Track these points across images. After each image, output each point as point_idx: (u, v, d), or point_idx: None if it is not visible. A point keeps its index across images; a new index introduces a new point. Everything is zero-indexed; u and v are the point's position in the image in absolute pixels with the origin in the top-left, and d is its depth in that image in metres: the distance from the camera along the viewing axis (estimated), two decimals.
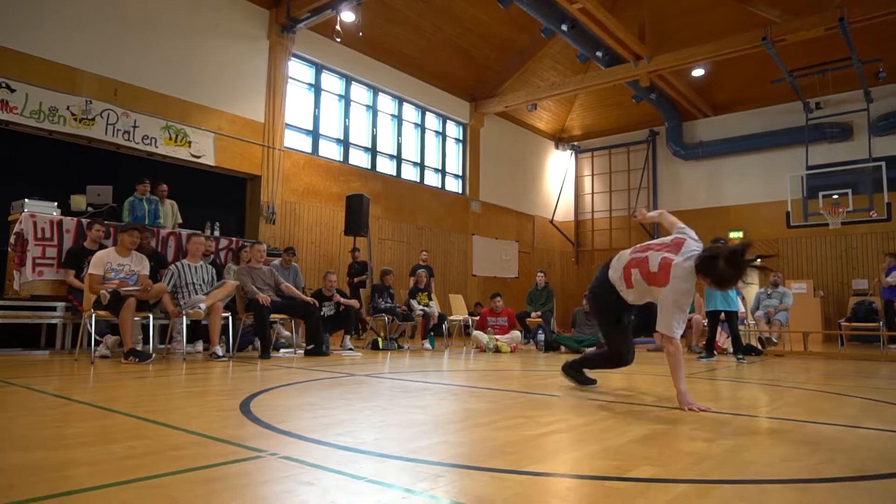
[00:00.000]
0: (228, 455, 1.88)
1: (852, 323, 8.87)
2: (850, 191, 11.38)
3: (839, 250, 12.95)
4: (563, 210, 16.69)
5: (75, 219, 6.46)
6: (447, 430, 2.40)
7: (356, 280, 9.34)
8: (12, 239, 6.08)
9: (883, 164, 11.11)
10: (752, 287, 14.46)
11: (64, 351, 6.11)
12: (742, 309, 8.74)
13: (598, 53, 11.78)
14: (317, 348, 6.37)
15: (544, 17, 10.52)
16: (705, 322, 7.42)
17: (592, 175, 16.89)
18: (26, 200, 6.23)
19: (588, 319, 8.33)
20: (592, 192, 16.83)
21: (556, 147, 17.06)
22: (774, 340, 8.61)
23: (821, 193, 11.65)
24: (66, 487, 1.52)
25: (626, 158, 16.26)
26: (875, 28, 10.42)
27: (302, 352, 6.53)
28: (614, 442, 2.24)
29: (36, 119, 7.52)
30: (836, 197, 11.54)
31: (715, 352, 7.06)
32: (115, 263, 5.35)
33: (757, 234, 13.87)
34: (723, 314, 6.88)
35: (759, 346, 8.05)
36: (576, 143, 17.00)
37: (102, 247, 5.99)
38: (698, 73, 13.41)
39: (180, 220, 8.02)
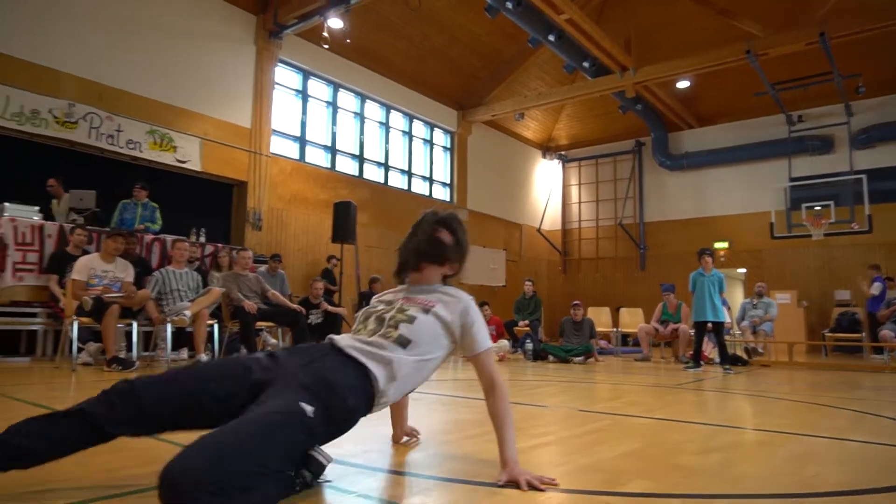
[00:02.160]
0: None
1: (836, 333, 8.95)
2: (832, 203, 11.52)
3: (822, 261, 13.10)
4: (551, 219, 16.74)
5: (57, 224, 6.35)
6: (436, 442, 2.37)
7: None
8: None
9: (864, 176, 11.27)
10: (738, 297, 14.59)
11: (45, 358, 5.98)
12: (728, 319, 8.81)
13: (585, 64, 11.85)
14: None
15: (531, 27, 10.57)
16: (692, 332, 7.45)
17: (580, 184, 16.97)
18: (6, 205, 6.10)
19: (575, 328, 8.34)
20: (580, 202, 16.90)
21: (544, 156, 17.13)
22: (760, 351, 8.68)
23: (803, 205, 11.79)
24: (43, 500, 1.47)
25: (612, 168, 16.36)
26: (855, 44, 10.59)
27: None
28: (604, 455, 2.22)
29: (17, 122, 7.38)
30: (818, 208, 11.69)
31: (702, 362, 7.09)
32: (98, 269, 5.27)
33: (742, 245, 14.01)
34: (710, 324, 6.92)
35: (745, 357, 8.10)
36: (563, 153, 17.08)
37: (85, 252, 5.89)
38: (683, 84, 13.54)
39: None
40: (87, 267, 5.20)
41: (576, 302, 8.63)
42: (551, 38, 10.81)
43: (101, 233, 6.36)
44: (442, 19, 11.77)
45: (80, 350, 5.30)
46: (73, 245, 6.03)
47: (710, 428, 2.90)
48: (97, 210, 6.98)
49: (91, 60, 8.11)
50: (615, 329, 9.73)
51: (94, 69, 8.14)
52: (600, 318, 9.94)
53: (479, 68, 13.52)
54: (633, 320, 10.02)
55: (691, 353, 7.24)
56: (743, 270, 14.24)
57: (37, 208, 6.36)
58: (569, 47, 11.36)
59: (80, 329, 5.22)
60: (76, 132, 7.88)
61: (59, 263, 5.90)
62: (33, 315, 5.98)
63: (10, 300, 5.91)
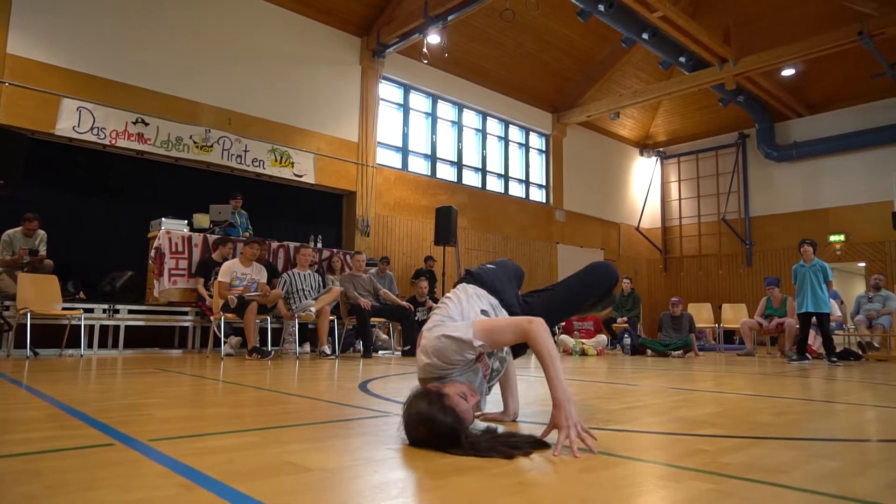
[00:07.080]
0: (364, 414, 2.34)
1: None
2: None
3: None
4: (650, 217, 16.55)
5: (202, 234, 7.33)
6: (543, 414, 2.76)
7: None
8: (152, 253, 7.01)
9: None
10: (854, 289, 13.75)
11: (194, 350, 6.94)
12: (839, 313, 8.50)
13: (681, 59, 11.74)
14: (413, 349, 6.86)
15: (625, 27, 10.66)
16: (797, 325, 7.32)
17: (679, 181, 16.64)
18: (163, 219, 7.14)
19: (674, 323, 8.39)
20: (680, 198, 16.57)
21: (641, 154, 16.96)
22: (876, 345, 8.31)
23: None
24: (240, 427, 2.01)
25: (714, 163, 15.93)
26: None
27: (399, 353, 7.05)
28: (685, 414, 2.53)
29: (165, 148, 8.53)
30: None
31: (808, 355, 6.97)
32: (239, 272, 6.09)
33: (860, 237, 13.23)
34: (814, 317, 6.80)
35: (860, 352, 7.81)
36: (661, 150, 16.82)
37: (226, 260, 6.77)
38: (789, 72, 13.01)
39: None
40: (230, 270, 6.04)
41: (674, 298, 8.67)
42: (645, 36, 10.84)
43: (239, 241, 7.26)
44: (535, 26, 12.11)
45: (223, 343, 6.14)
46: (219, 254, 6.93)
47: (794, 401, 3.10)
48: (231, 222, 7.94)
49: (222, 90, 9.18)
50: (717, 325, 9.61)
51: (225, 98, 9.20)
52: (701, 314, 9.84)
53: (573, 71, 13.70)
54: (736, 316, 9.84)
55: (796, 346, 7.12)
56: (863, 264, 13.43)
57: (185, 221, 7.36)
58: (664, 44, 11.32)
59: (224, 324, 6.05)
60: (212, 154, 8.94)
61: (206, 268, 6.82)
62: (184, 313, 6.95)
63: (167, 301, 6.92)
